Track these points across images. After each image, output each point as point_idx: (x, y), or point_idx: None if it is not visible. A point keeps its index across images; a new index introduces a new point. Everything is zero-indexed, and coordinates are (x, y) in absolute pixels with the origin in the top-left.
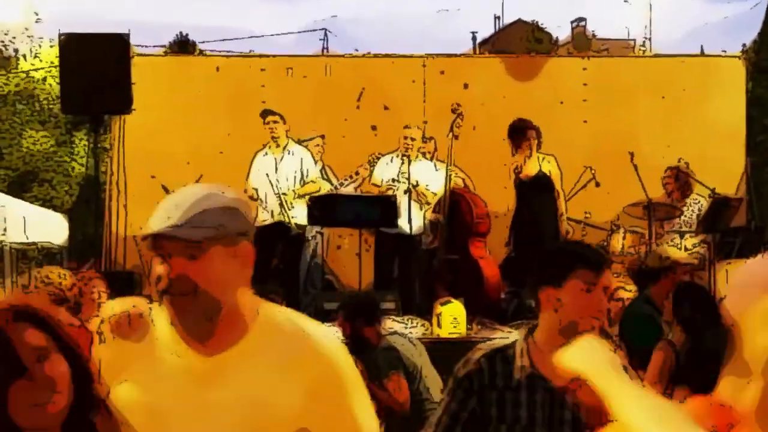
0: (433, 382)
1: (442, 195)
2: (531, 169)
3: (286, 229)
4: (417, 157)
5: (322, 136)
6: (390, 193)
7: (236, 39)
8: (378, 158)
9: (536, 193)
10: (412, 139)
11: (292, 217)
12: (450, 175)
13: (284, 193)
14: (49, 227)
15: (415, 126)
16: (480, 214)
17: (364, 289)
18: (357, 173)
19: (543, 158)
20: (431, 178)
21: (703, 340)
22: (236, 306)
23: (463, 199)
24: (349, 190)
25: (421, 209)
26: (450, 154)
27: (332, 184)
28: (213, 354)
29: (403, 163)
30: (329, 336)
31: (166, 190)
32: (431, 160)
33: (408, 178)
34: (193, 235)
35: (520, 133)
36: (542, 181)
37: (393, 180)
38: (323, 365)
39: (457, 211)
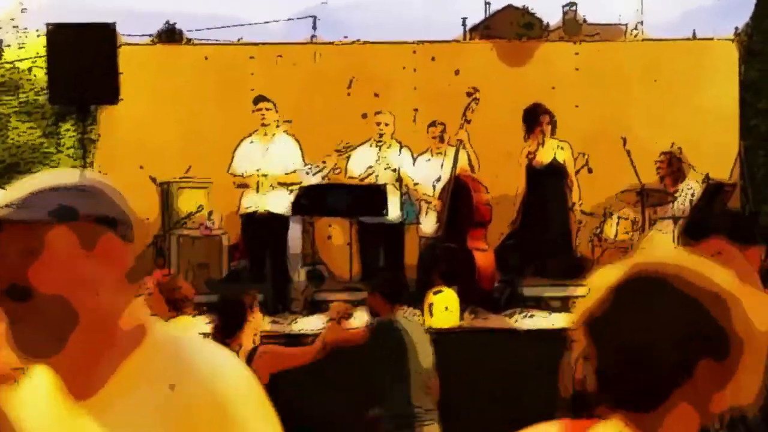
0: None
1: (447, 181)
2: (545, 156)
3: (273, 219)
4: (399, 143)
5: (289, 121)
6: (370, 180)
7: (225, 27)
8: (347, 146)
9: (549, 181)
10: (386, 124)
11: (271, 205)
12: (458, 159)
13: (264, 175)
14: None
15: (387, 111)
16: (481, 201)
17: (355, 279)
18: (324, 162)
19: (558, 145)
20: (409, 164)
21: None
22: (104, 320)
23: (465, 186)
24: (316, 179)
25: (402, 198)
26: (468, 138)
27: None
28: (85, 394)
29: (380, 148)
30: (227, 364)
31: (155, 181)
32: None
33: (389, 165)
34: (20, 216)
35: (533, 117)
36: (556, 170)
37: (370, 167)
38: (214, 404)
39: (458, 198)
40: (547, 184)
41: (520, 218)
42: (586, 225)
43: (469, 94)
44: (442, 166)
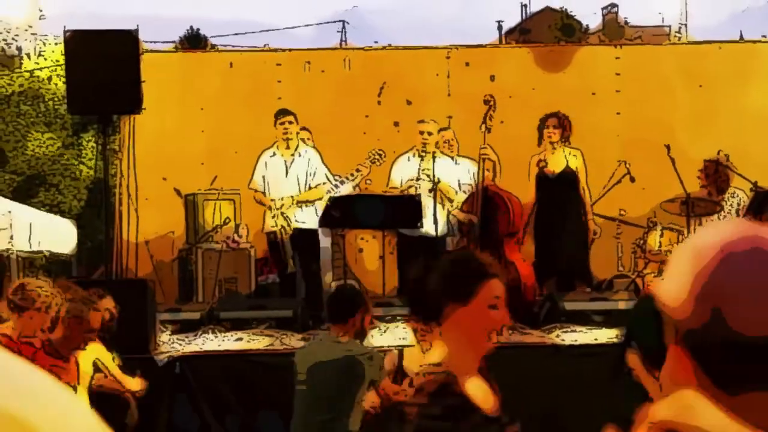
0: None
1: (472, 192)
2: (557, 164)
3: (303, 234)
4: (435, 153)
5: (305, 128)
6: (411, 192)
7: (250, 33)
8: (380, 153)
9: (562, 190)
10: (429, 134)
11: (300, 222)
12: (482, 169)
13: (281, 205)
14: (57, 234)
15: (430, 119)
16: (516, 213)
17: (388, 295)
18: (358, 170)
19: (570, 153)
20: (452, 174)
21: None
22: None
23: (497, 197)
24: (347, 189)
25: (444, 209)
26: (490, 149)
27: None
28: None
29: (422, 159)
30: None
31: (179, 193)
32: (452, 154)
33: (431, 176)
34: None
35: (543, 123)
36: (567, 178)
37: (414, 179)
38: None
39: (491, 209)
40: (560, 193)
41: (532, 229)
42: (625, 234)
43: (486, 102)
44: (419, 168)
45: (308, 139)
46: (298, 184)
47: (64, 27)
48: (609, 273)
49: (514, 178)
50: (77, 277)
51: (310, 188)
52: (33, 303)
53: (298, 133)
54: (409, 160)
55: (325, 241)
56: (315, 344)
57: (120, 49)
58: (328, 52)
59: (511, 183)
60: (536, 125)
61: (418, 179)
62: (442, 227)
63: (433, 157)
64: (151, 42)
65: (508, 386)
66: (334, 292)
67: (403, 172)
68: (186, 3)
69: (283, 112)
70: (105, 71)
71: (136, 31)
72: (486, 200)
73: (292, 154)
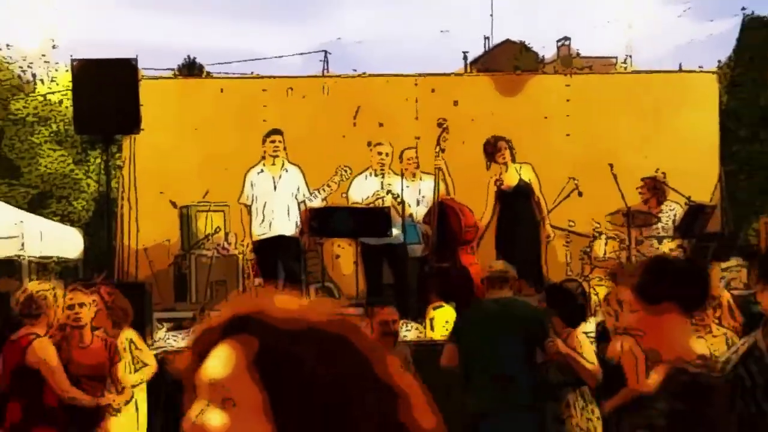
0: None
1: (431, 206)
2: (511, 179)
3: (286, 242)
4: (389, 173)
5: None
6: (377, 204)
7: (242, 61)
8: (346, 169)
9: (518, 201)
10: (386, 155)
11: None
12: (438, 185)
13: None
14: (65, 241)
15: (387, 142)
16: (468, 223)
17: (362, 296)
18: (328, 186)
19: (520, 167)
20: (412, 191)
21: None
22: None
23: (451, 210)
24: (317, 202)
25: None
26: (444, 166)
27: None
28: None
29: (383, 177)
30: None
31: (174, 205)
32: (415, 170)
33: (394, 192)
34: None
35: (493, 147)
36: (523, 189)
37: (377, 191)
38: None
39: (446, 221)
40: (516, 204)
41: (494, 237)
42: (573, 242)
43: (439, 125)
44: (382, 185)
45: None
46: (289, 196)
47: (71, 56)
48: (559, 277)
49: (473, 192)
50: (83, 280)
51: (302, 202)
52: (46, 306)
53: (285, 150)
54: (366, 178)
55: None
56: None
57: (121, 76)
58: (309, 79)
59: (470, 196)
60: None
61: (379, 191)
62: (398, 234)
63: (402, 177)
64: (152, 69)
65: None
66: None
67: (362, 190)
68: (185, 34)
69: (273, 132)
70: (108, 95)
71: (135, 60)
72: (441, 212)
73: (280, 170)
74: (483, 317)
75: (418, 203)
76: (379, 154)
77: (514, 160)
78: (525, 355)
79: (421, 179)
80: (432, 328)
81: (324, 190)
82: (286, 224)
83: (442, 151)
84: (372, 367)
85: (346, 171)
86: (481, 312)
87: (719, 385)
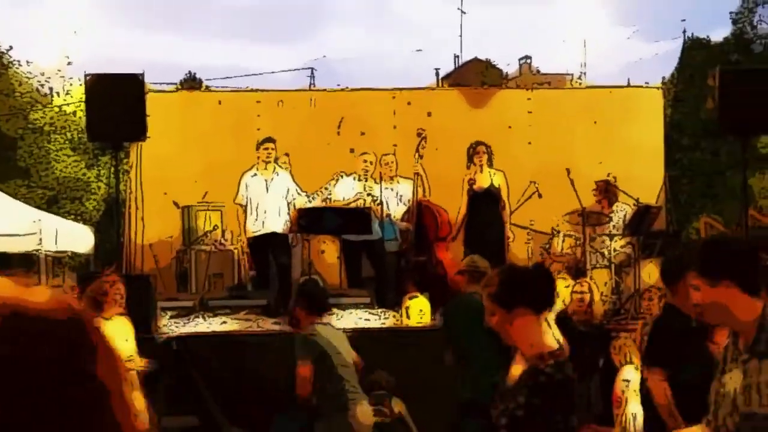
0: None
1: (410, 206)
2: (483, 181)
3: (278, 238)
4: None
5: (287, 155)
6: (358, 204)
7: (237, 77)
8: (341, 176)
9: (486, 203)
10: (371, 163)
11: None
12: (416, 188)
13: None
14: (77, 237)
15: (372, 152)
16: (443, 221)
17: (344, 287)
18: (326, 188)
19: (494, 173)
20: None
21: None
22: None
23: (428, 210)
24: (317, 202)
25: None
26: (422, 172)
27: (301, 195)
28: None
29: (367, 181)
30: None
31: (177, 205)
32: (392, 174)
33: (374, 195)
34: None
35: (473, 150)
36: (492, 193)
37: (359, 193)
38: None
39: (423, 219)
40: (485, 206)
41: (463, 234)
42: (534, 239)
43: (419, 134)
44: (364, 187)
45: (285, 163)
46: (281, 197)
47: (85, 71)
48: None
49: (446, 194)
50: (93, 272)
51: (291, 202)
52: None
53: (277, 158)
54: (351, 184)
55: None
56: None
57: (129, 90)
58: (297, 93)
59: (444, 197)
60: (464, 152)
61: (361, 193)
62: (380, 232)
63: (380, 180)
64: (158, 83)
65: (437, 361)
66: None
67: (345, 192)
68: (187, 52)
69: (267, 140)
70: (117, 107)
71: (142, 75)
72: (419, 212)
73: (272, 174)
74: (469, 310)
75: (397, 204)
76: (365, 162)
77: (491, 165)
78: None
79: (398, 182)
80: (408, 317)
81: (321, 193)
82: (278, 222)
83: (421, 157)
84: (83, 359)
85: (342, 177)
86: (467, 305)
87: (573, 382)
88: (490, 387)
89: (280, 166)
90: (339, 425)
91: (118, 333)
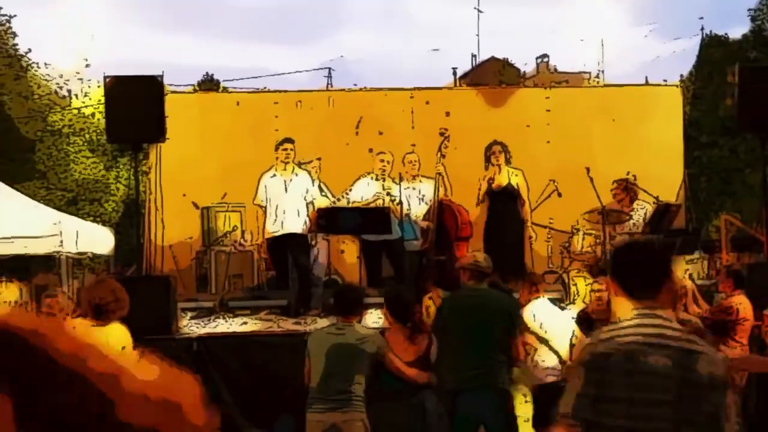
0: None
1: (431, 205)
2: (501, 180)
3: (296, 239)
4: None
5: (319, 159)
6: (377, 204)
7: (255, 78)
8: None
9: (505, 202)
10: (388, 162)
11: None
12: (438, 188)
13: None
14: (98, 239)
15: (389, 151)
16: (464, 221)
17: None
18: (351, 189)
19: (512, 172)
20: (413, 195)
21: None
22: None
23: (449, 209)
24: (343, 202)
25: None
26: (444, 171)
27: (329, 199)
28: None
29: (384, 181)
30: None
31: (196, 206)
32: (415, 173)
33: (392, 194)
34: None
35: (489, 150)
36: (510, 192)
37: (377, 194)
38: None
39: (444, 218)
40: (503, 204)
41: (483, 233)
42: (554, 238)
43: (441, 134)
44: (382, 187)
45: (316, 167)
46: (299, 198)
47: (104, 73)
48: (541, 269)
49: (465, 193)
50: (114, 273)
51: (310, 203)
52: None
53: (300, 162)
54: (368, 182)
55: (322, 245)
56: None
57: (148, 91)
58: (316, 93)
59: (463, 196)
60: (482, 152)
61: (379, 193)
62: (399, 231)
63: (400, 180)
64: (177, 85)
65: None
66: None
67: (363, 191)
68: (205, 54)
69: (286, 140)
70: (136, 108)
71: (161, 76)
72: (440, 212)
73: (290, 174)
74: (462, 306)
75: (419, 203)
76: (382, 161)
77: (508, 164)
78: (498, 341)
79: (421, 181)
80: (428, 315)
81: (345, 195)
82: (297, 223)
83: (443, 157)
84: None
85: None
86: (462, 301)
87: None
88: (473, 377)
89: (306, 170)
90: None
91: (115, 341)
